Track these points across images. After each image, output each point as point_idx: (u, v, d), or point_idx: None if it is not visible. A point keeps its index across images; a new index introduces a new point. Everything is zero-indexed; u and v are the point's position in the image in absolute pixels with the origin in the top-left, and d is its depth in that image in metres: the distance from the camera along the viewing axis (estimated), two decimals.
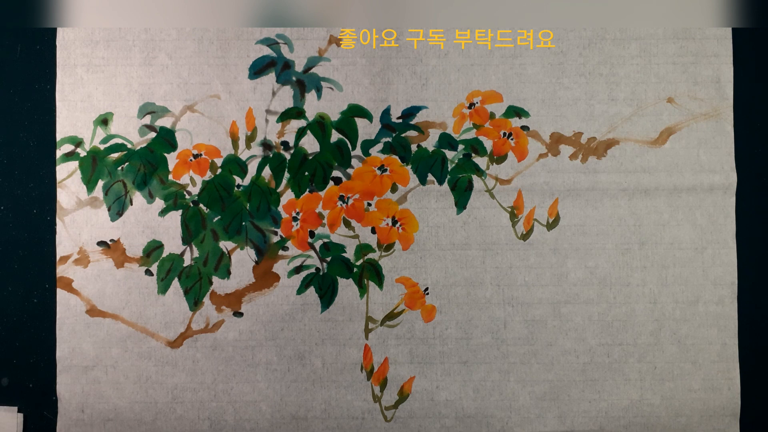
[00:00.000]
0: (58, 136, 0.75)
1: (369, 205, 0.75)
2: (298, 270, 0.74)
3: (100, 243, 0.74)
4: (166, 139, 0.75)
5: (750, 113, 0.76)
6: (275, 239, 0.74)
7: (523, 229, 0.75)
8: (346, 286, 0.74)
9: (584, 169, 0.75)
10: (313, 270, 0.74)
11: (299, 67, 0.76)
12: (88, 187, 0.75)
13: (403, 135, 0.75)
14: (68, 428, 0.74)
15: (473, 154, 0.75)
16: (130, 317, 0.74)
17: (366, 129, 0.75)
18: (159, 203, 0.75)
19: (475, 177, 0.75)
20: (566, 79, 0.76)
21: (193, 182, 0.75)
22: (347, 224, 0.75)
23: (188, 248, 0.74)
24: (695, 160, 0.75)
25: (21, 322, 0.75)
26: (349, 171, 0.75)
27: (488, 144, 0.75)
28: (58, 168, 0.75)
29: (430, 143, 0.75)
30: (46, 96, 0.76)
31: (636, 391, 0.74)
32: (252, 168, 0.75)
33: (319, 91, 0.75)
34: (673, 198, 0.75)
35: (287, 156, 0.75)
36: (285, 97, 0.75)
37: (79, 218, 0.75)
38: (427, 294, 0.74)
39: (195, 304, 0.74)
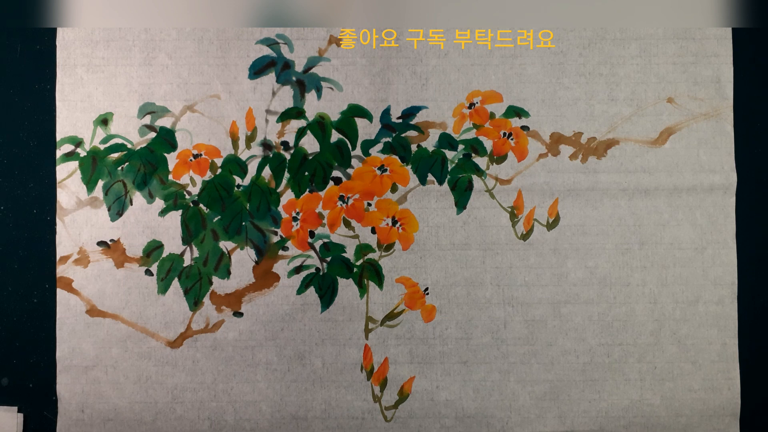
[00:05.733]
0: (58, 136, 0.75)
1: (369, 205, 0.75)
2: (298, 270, 0.74)
3: (100, 243, 0.74)
4: (166, 139, 0.75)
5: (750, 113, 0.76)
6: (275, 239, 0.74)
7: (523, 229, 0.75)
8: (346, 286, 0.74)
9: (584, 169, 0.75)
10: (313, 270, 0.74)
11: (299, 67, 0.76)
12: (88, 187, 0.75)
13: (403, 135, 0.75)
14: (68, 428, 0.74)
15: (473, 154, 0.75)
16: (130, 317, 0.74)
17: (366, 129, 0.75)
18: (159, 203, 0.75)
19: (475, 177, 0.75)
20: (566, 79, 0.76)
21: (193, 182, 0.75)
22: (347, 224, 0.75)
23: (188, 248, 0.74)
24: (695, 160, 0.75)
25: (21, 322, 0.75)
26: (349, 171, 0.75)
27: (488, 144, 0.75)
28: (58, 168, 0.75)
29: (430, 143, 0.75)
30: (46, 96, 0.75)
31: (636, 391, 0.74)
32: (252, 168, 0.75)
33: (319, 91, 0.75)
34: (673, 198, 0.75)
35: (287, 156, 0.75)
36: (285, 97, 0.75)
37: (79, 218, 0.75)
38: (427, 294, 0.74)
39: (195, 304, 0.74)
